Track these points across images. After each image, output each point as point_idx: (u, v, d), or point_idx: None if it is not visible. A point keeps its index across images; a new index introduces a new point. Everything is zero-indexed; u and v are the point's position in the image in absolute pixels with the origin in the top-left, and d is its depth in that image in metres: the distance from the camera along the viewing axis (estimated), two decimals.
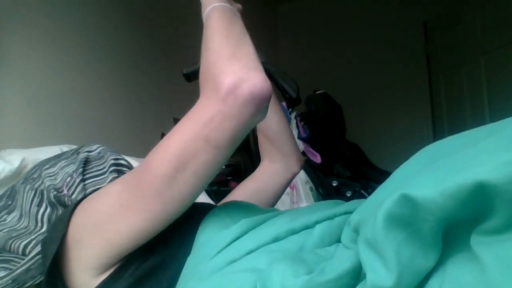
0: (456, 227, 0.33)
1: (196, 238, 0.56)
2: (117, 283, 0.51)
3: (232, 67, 0.48)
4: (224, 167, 1.72)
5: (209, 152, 0.47)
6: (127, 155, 1.07)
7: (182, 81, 0.85)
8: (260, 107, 0.47)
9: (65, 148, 1.00)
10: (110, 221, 0.50)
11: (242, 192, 0.85)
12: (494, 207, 0.30)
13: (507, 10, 2.41)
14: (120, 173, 0.70)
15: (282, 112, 0.88)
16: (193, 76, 0.83)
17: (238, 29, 0.54)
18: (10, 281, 0.55)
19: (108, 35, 1.67)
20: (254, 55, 0.51)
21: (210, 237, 0.53)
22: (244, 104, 0.46)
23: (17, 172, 0.89)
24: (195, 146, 0.47)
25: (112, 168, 0.69)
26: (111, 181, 0.67)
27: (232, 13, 0.56)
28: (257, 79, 0.47)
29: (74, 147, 0.82)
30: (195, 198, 0.52)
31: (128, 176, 0.54)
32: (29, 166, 0.88)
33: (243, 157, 1.84)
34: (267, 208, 0.79)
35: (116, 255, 0.51)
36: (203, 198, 1.24)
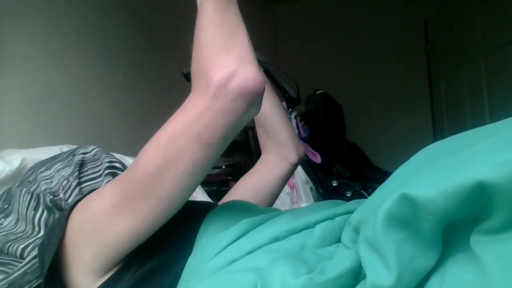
0: (456, 226, 0.34)
1: (197, 239, 0.55)
2: (117, 285, 0.51)
3: (223, 60, 0.45)
4: (223, 167, 1.73)
5: (199, 149, 0.46)
6: (127, 155, 1.08)
7: (182, 81, 0.85)
8: (251, 102, 0.45)
9: (65, 148, 1.00)
10: (104, 222, 0.50)
11: (240, 188, 0.82)
12: (494, 207, 0.30)
13: (507, 10, 2.41)
14: (115, 175, 0.69)
15: (276, 99, 0.84)
16: None
17: (233, 18, 0.50)
18: (6, 285, 0.54)
19: (108, 35, 1.67)
20: (248, 46, 0.48)
21: (211, 238, 0.53)
22: (235, 100, 0.44)
23: (17, 172, 0.89)
24: (186, 143, 0.46)
25: (107, 171, 0.69)
26: (106, 184, 0.67)
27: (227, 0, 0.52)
28: (249, 73, 0.45)
29: (74, 147, 0.82)
30: (189, 196, 0.51)
31: (120, 177, 0.53)
32: (29, 166, 0.88)
33: (243, 157, 1.84)
34: (268, 207, 0.79)
35: (115, 256, 0.51)
36: (203, 198, 1.23)
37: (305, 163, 1.70)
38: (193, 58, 0.50)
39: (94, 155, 0.73)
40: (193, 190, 0.51)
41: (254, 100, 0.45)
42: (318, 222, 0.51)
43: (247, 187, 0.82)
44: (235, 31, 0.49)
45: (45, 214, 0.63)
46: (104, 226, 0.50)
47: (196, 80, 0.48)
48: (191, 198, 0.54)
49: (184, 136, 0.46)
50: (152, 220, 0.49)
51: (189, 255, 0.54)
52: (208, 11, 0.50)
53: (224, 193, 0.90)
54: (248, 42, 0.49)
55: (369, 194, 1.41)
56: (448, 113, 3.01)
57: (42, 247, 0.53)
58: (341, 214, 0.52)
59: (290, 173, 0.85)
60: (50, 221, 0.63)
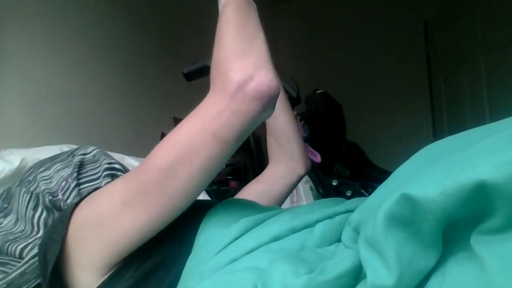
0: (456, 226, 0.33)
1: (196, 238, 0.55)
2: (118, 284, 0.50)
3: (242, 63, 0.48)
4: (224, 166, 1.73)
5: (215, 146, 0.48)
6: (127, 155, 1.08)
7: (182, 81, 0.85)
8: (266, 105, 0.48)
9: (65, 148, 1.00)
10: (113, 219, 0.50)
11: (246, 193, 0.84)
12: (494, 207, 0.30)
13: (507, 9, 2.41)
14: (114, 177, 0.69)
15: (291, 113, 0.87)
16: (193, 76, 0.83)
17: (253, 23, 0.54)
18: (5, 285, 0.54)
19: (108, 35, 1.67)
20: (266, 52, 0.51)
21: (211, 237, 0.53)
22: (251, 101, 0.47)
23: (17, 172, 0.89)
24: (202, 140, 0.48)
25: (106, 172, 0.69)
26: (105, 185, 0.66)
27: (248, 5, 0.56)
28: (265, 77, 0.47)
29: (74, 147, 0.82)
30: (200, 193, 0.52)
31: (131, 173, 0.53)
32: (29, 166, 0.88)
33: (243, 157, 1.84)
34: (268, 206, 0.79)
35: (120, 253, 0.51)
36: (203, 197, 1.24)
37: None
38: (213, 59, 0.52)
39: (94, 156, 0.73)
40: (204, 187, 0.52)
41: (269, 103, 0.48)
42: (318, 221, 0.51)
43: (253, 193, 0.83)
44: (254, 36, 0.53)
45: (44, 214, 0.63)
46: (112, 222, 0.50)
47: (215, 80, 0.51)
48: None
49: (201, 133, 0.48)
50: (162, 217, 0.50)
51: (189, 253, 0.53)
52: (229, 16, 0.53)
53: (223, 192, 0.91)
54: (265, 47, 0.52)
55: (369, 193, 1.41)
56: (448, 113, 3.01)
57: (44, 245, 0.52)
58: (341, 213, 0.52)
59: (297, 183, 0.88)
60: (49, 221, 0.63)
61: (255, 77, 0.47)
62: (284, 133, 0.86)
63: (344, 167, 1.98)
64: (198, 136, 0.48)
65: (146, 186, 0.49)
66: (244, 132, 0.49)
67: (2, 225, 0.64)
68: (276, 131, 0.86)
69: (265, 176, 0.88)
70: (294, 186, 0.88)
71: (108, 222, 0.50)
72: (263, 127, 0.97)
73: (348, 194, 1.71)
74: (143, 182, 0.49)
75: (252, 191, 0.85)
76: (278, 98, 0.83)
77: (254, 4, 0.58)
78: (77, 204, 0.54)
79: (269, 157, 0.90)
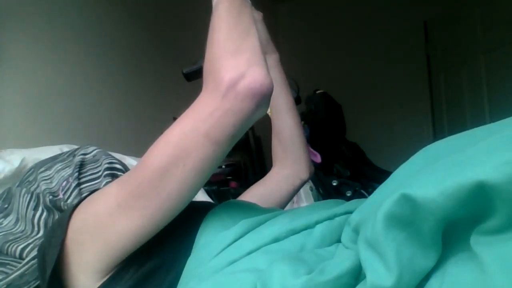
0: (456, 227, 0.33)
1: (196, 240, 0.55)
2: (116, 286, 0.50)
3: (233, 61, 0.47)
4: (223, 166, 1.73)
5: (208, 147, 0.47)
6: (127, 155, 1.08)
7: (182, 81, 0.85)
8: (259, 103, 0.47)
9: (65, 148, 1.00)
10: (109, 222, 0.49)
11: (248, 197, 0.84)
12: (494, 207, 0.30)
13: (507, 9, 2.41)
14: (114, 177, 0.69)
15: (298, 117, 0.87)
16: (193, 76, 0.82)
17: (245, 21, 0.53)
18: (5, 286, 0.54)
19: (108, 35, 1.67)
20: (258, 49, 0.50)
21: (210, 239, 0.53)
22: (243, 100, 0.46)
23: (17, 172, 0.89)
24: (194, 141, 0.47)
25: (106, 172, 0.69)
26: (105, 185, 0.66)
27: (241, 1, 0.55)
28: (257, 75, 0.46)
29: (75, 147, 0.82)
30: (194, 195, 0.51)
31: (125, 175, 0.53)
32: (29, 166, 0.88)
33: (242, 157, 1.84)
34: (268, 207, 0.79)
35: (118, 256, 0.51)
36: (202, 198, 1.23)
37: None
38: (206, 58, 0.51)
39: (94, 156, 0.73)
40: (199, 188, 0.51)
41: (262, 101, 0.47)
42: (318, 222, 0.51)
43: (256, 196, 0.83)
44: (246, 34, 0.51)
45: (44, 214, 0.63)
46: (108, 225, 0.49)
47: (207, 79, 0.50)
48: None
49: (193, 134, 0.47)
50: (158, 219, 0.49)
51: (188, 254, 0.53)
52: (222, 14, 0.52)
53: (223, 192, 0.90)
54: (258, 45, 0.51)
55: (369, 193, 1.41)
56: (448, 113, 3.01)
57: (43, 249, 0.52)
58: (341, 214, 0.52)
59: (299, 188, 0.88)
60: (50, 221, 0.63)
61: (247, 75, 0.46)
62: (289, 137, 0.85)
63: (344, 167, 1.98)
64: (189, 137, 0.47)
65: (140, 188, 0.48)
66: (237, 132, 0.48)
67: (2, 225, 0.64)
68: (281, 134, 0.86)
69: (268, 179, 0.88)
70: (297, 190, 0.88)
71: (104, 225, 0.50)
72: (264, 127, 0.97)
73: (348, 195, 1.71)
74: (137, 184, 0.49)
75: (255, 194, 0.84)
76: (286, 101, 0.85)
77: (249, 2, 0.57)
78: (75, 206, 0.54)
79: (273, 160, 0.90)
